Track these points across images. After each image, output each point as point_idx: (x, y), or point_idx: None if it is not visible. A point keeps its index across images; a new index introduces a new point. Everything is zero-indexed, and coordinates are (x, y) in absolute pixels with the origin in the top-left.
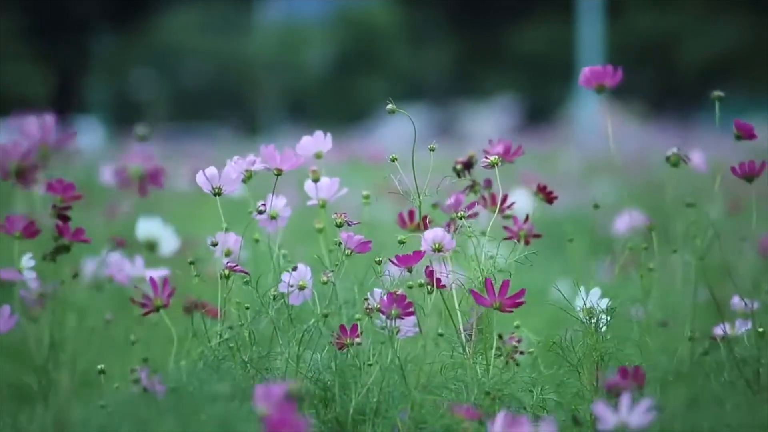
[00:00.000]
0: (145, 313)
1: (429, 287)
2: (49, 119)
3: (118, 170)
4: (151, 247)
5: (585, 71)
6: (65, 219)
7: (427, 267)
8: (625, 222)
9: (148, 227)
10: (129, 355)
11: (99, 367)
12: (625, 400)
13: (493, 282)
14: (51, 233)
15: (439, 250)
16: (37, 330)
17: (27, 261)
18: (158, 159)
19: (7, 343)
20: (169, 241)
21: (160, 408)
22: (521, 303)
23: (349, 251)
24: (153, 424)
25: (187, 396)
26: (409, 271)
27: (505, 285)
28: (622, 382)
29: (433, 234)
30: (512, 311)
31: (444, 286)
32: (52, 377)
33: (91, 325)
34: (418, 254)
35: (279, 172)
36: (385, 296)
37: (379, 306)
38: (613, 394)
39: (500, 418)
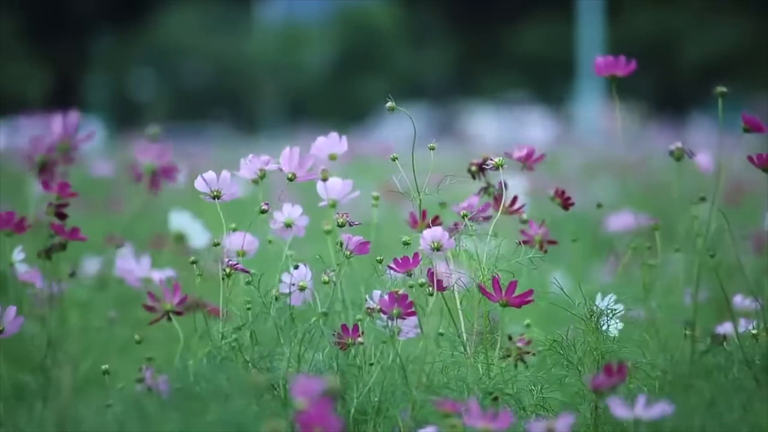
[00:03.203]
0: (155, 321)
1: (430, 289)
2: (73, 117)
3: (131, 165)
4: (179, 239)
5: (598, 60)
6: (62, 216)
7: (429, 269)
8: (624, 221)
9: (179, 221)
10: (130, 354)
11: (104, 367)
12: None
13: (499, 281)
14: (48, 231)
15: (438, 249)
16: (38, 329)
17: (18, 254)
18: (171, 155)
19: (7, 342)
20: (199, 235)
21: (165, 407)
22: (529, 301)
23: (349, 252)
24: (158, 423)
25: (193, 395)
26: (409, 274)
27: (512, 285)
28: (607, 380)
29: (432, 233)
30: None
31: (445, 289)
32: (52, 376)
33: (94, 324)
34: (416, 258)
35: (293, 177)
36: (387, 296)
37: (379, 306)
38: (600, 393)
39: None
